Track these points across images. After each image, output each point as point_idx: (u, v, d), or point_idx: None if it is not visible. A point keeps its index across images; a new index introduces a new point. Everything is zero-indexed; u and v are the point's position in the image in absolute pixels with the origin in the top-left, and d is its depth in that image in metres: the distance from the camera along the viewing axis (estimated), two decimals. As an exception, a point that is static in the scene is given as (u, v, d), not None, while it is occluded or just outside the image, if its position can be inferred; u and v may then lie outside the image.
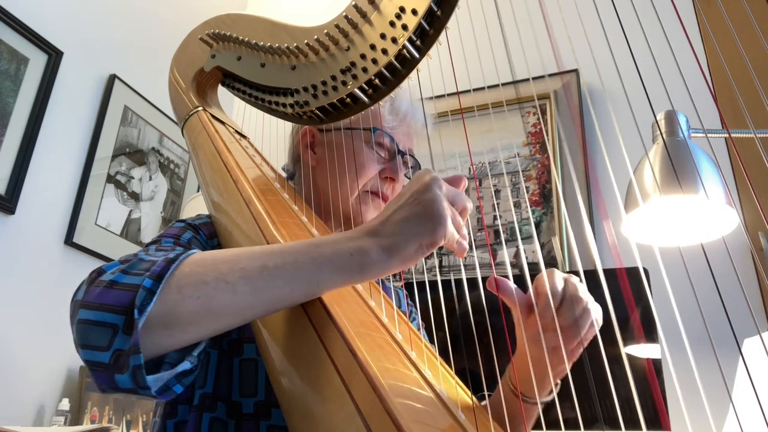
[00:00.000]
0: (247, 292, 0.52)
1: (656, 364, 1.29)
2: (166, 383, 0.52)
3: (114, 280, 0.52)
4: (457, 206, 0.57)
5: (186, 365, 0.54)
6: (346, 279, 0.55)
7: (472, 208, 0.61)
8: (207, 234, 0.78)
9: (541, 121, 2.07)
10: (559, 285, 0.66)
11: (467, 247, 0.58)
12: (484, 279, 0.67)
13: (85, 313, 0.51)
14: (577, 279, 0.68)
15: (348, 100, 0.74)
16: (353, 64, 0.72)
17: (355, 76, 0.72)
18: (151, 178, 2.19)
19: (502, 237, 1.97)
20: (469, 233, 0.58)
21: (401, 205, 0.56)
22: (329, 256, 0.54)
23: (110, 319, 0.49)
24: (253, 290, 0.52)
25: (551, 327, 0.64)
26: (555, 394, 0.72)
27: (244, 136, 0.97)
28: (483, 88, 1.87)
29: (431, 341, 0.99)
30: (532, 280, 0.67)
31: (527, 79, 2.00)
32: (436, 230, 0.54)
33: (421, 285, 1.19)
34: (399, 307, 1.02)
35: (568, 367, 0.63)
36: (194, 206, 1.98)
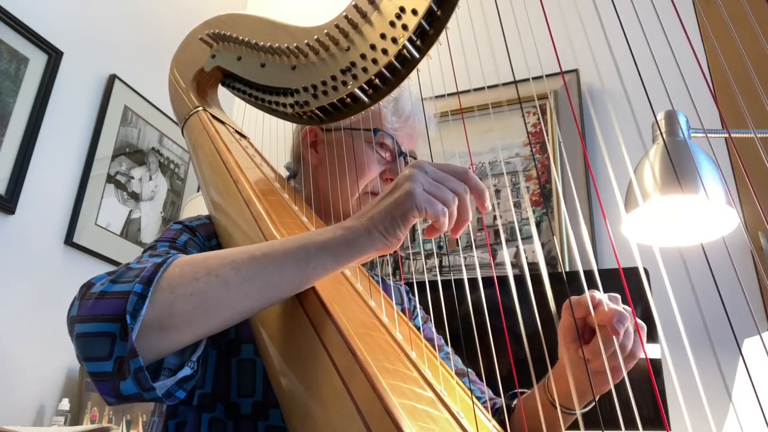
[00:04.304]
0: (238, 283, 0.53)
1: (656, 364, 1.29)
2: (168, 390, 0.53)
3: (104, 291, 0.52)
4: (446, 184, 0.58)
5: (186, 371, 0.54)
6: (334, 256, 0.57)
7: (475, 189, 0.60)
8: (204, 235, 0.78)
9: (541, 121, 2.06)
10: (622, 326, 0.63)
11: (446, 223, 0.58)
12: (484, 279, 0.67)
13: (81, 327, 0.51)
14: (618, 302, 0.66)
15: (348, 100, 0.74)
16: (353, 64, 0.72)
17: (355, 76, 0.72)
18: (151, 178, 2.19)
19: (502, 237, 1.97)
20: (469, 233, 0.58)
21: (381, 194, 0.60)
22: (313, 237, 0.57)
23: (106, 329, 0.50)
24: (244, 279, 0.53)
25: (600, 361, 0.64)
26: (595, 402, 0.71)
27: (244, 136, 0.97)
28: (483, 88, 1.87)
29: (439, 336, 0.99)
30: (532, 280, 0.66)
31: (527, 79, 2.00)
32: (404, 200, 0.56)
33: (421, 285, 1.19)
34: (401, 304, 1.02)
35: (612, 385, 0.62)
36: (194, 206, 1.98)
